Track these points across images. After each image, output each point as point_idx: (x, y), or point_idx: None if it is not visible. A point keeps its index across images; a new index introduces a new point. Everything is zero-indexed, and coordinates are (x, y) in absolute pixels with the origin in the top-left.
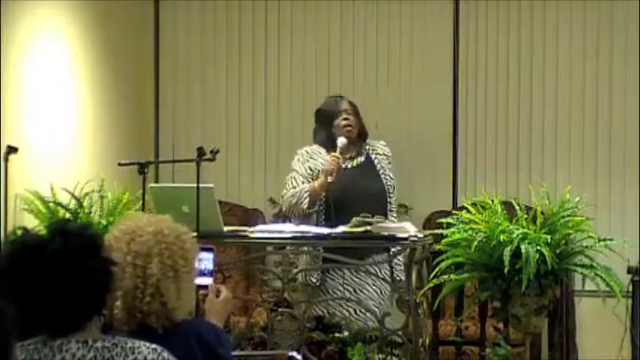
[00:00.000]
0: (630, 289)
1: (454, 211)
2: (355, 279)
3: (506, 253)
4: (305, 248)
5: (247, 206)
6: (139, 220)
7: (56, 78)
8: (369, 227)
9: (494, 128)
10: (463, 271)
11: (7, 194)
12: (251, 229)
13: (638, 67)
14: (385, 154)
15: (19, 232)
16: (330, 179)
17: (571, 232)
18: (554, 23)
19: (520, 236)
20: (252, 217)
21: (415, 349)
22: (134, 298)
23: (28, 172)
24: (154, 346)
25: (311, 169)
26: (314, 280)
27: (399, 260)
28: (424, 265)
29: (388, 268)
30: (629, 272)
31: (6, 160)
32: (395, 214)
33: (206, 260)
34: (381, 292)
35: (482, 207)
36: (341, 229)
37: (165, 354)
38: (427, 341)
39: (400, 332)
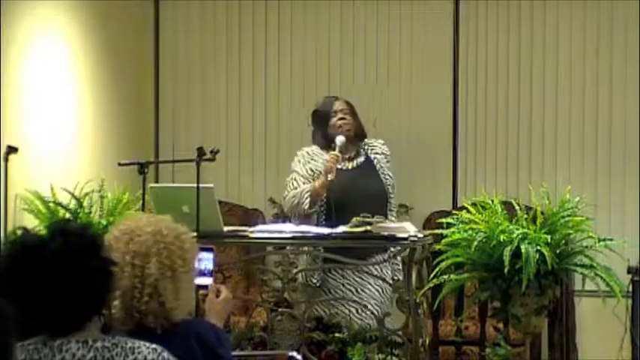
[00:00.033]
0: (630, 289)
1: (454, 211)
2: (357, 279)
3: (506, 253)
4: (306, 248)
5: (247, 206)
6: (138, 220)
7: (56, 78)
8: (369, 227)
9: (494, 128)
10: (463, 271)
11: (7, 194)
12: (251, 229)
13: (638, 67)
14: (384, 153)
15: (19, 232)
16: (330, 177)
17: (571, 232)
18: (554, 23)
19: (520, 236)
20: (252, 217)
21: (415, 349)
22: (132, 298)
23: (28, 172)
24: (154, 346)
25: (312, 171)
26: (314, 281)
27: (396, 260)
28: (424, 265)
29: (389, 268)
30: (629, 272)
31: (6, 160)
32: (394, 214)
33: (206, 260)
34: (383, 292)
35: (482, 207)
36: (341, 229)
37: (166, 354)
38: (427, 341)
39: (400, 332)
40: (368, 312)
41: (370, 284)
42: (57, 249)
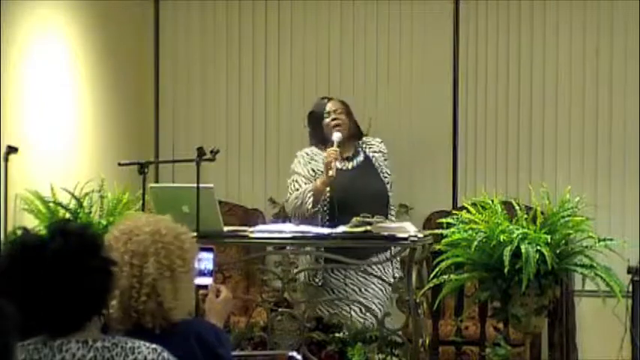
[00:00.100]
0: (630, 289)
1: (454, 211)
2: (360, 278)
3: (506, 253)
4: (307, 248)
5: (247, 206)
6: (137, 220)
7: (56, 78)
8: (369, 227)
9: (494, 128)
10: (463, 271)
11: (7, 194)
12: (251, 229)
13: (638, 67)
14: (381, 151)
15: (19, 232)
16: (330, 173)
17: (571, 232)
18: (554, 23)
19: (520, 236)
20: (252, 217)
21: (415, 349)
22: (130, 298)
23: (28, 172)
24: (154, 346)
25: (314, 171)
26: (317, 280)
27: (396, 260)
28: (424, 265)
29: (390, 268)
30: (629, 272)
31: (6, 160)
32: (393, 212)
33: (206, 260)
34: (385, 292)
35: (482, 207)
36: (341, 229)
37: (165, 354)
38: (427, 341)
39: (400, 332)
40: (371, 312)
41: (374, 284)
42: (57, 249)
